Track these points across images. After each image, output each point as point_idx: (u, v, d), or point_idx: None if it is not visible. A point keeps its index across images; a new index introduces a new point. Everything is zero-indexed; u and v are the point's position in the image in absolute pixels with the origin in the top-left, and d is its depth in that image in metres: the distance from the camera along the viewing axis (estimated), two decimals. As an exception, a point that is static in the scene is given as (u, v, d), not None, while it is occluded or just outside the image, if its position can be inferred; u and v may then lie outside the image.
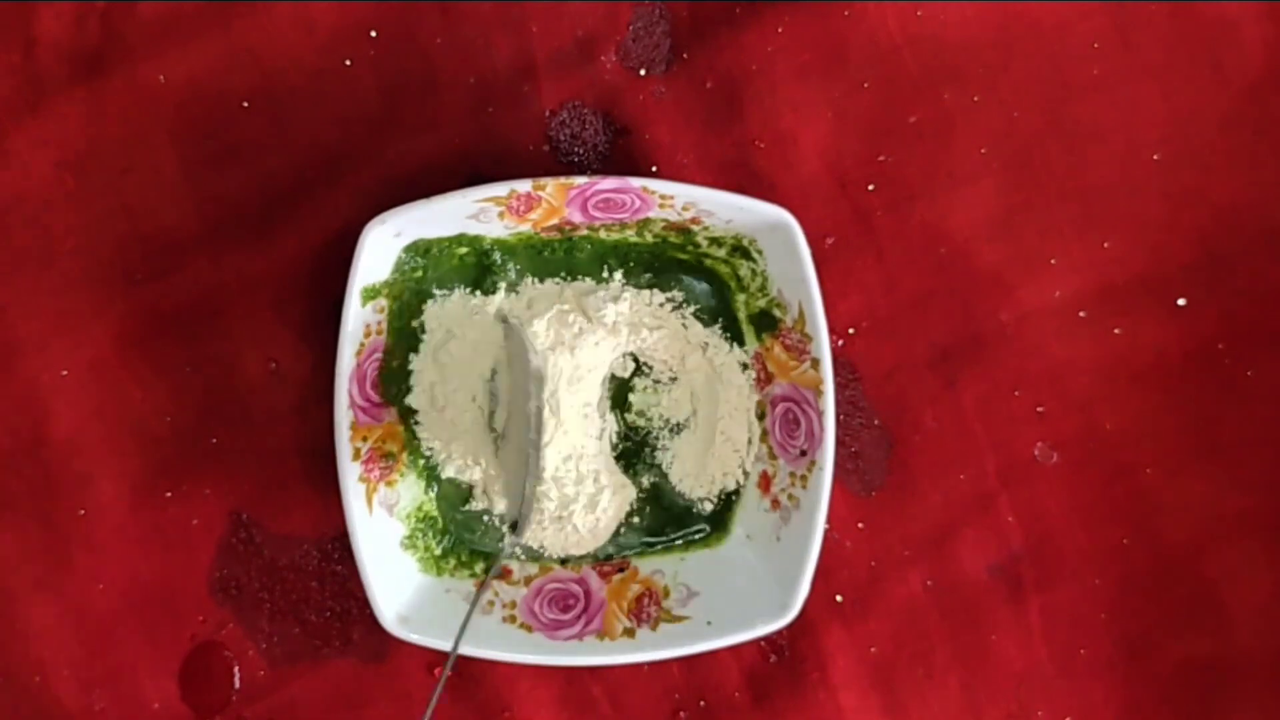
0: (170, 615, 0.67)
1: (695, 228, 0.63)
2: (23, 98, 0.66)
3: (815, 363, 0.61)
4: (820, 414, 0.61)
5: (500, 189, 0.59)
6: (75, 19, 0.67)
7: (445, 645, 0.60)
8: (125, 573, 0.67)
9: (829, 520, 0.65)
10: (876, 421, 0.68)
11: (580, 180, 0.59)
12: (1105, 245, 0.67)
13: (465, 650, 0.61)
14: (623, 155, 0.67)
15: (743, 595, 0.62)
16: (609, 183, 0.60)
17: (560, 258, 0.65)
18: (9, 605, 0.66)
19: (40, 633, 0.67)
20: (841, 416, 0.67)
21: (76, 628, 0.67)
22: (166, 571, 0.67)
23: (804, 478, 0.62)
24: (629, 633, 0.63)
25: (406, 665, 0.67)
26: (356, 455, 0.61)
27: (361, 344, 0.61)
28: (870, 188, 0.67)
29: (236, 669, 0.67)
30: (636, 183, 0.59)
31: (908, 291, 0.67)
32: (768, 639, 0.67)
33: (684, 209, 0.61)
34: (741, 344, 0.65)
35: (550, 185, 0.59)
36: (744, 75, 0.67)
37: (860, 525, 0.67)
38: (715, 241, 0.64)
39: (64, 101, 0.66)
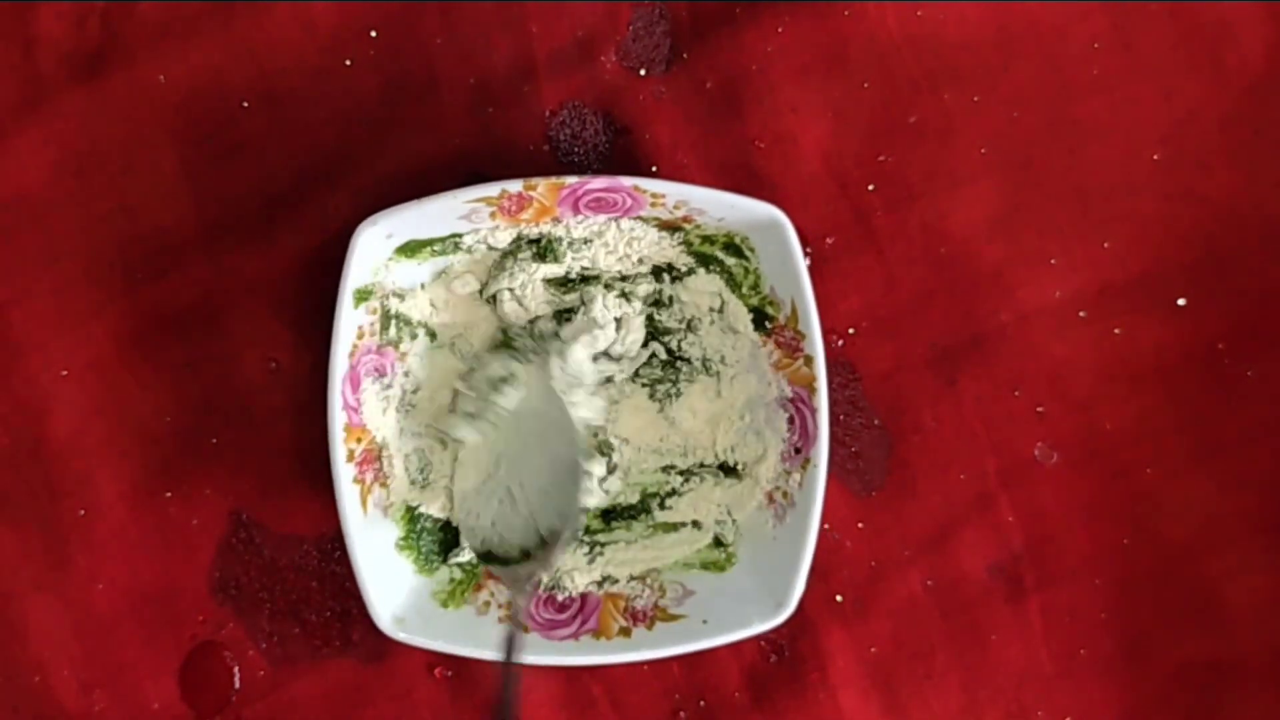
0: (170, 615, 0.67)
1: (687, 226, 0.63)
2: (23, 98, 0.66)
3: (809, 360, 0.61)
4: (814, 412, 0.61)
5: (491, 189, 0.59)
6: (75, 19, 0.67)
7: (441, 646, 0.60)
8: (125, 573, 0.67)
9: (829, 520, 0.65)
10: (876, 421, 0.67)
11: (571, 180, 0.59)
12: (1105, 245, 0.67)
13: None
14: (623, 155, 0.67)
15: (738, 594, 0.62)
16: (600, 182, 0.60)
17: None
18: (9, 605, 0.67)
19: (40, 633, 0.67)
20: (841, 416, 0.67)
21: (76, 628, 0.67)
22: (166, 571, 0.67)
23: (799, 476, 0.62)
24: (625, 632, 0.63)
25: (406, 665, 0.67)
26: (351, 457, 0.61)
27: (355, 345, 0.61)
28: (870, 188, 0.67)
29: (236, 669, 0.67)
30: (627, 182, 0.59)
31: (908, 291, 0.67)
32: (767, 639, 0.67)
33: (675, 207, 0.61)
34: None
35: (541, 185, 0.59)
36: (744, 75, 0.67)
37: (860, 525, 0.67)
38: (708, 240, 0.63)
39: (64, 101, 0.66)
